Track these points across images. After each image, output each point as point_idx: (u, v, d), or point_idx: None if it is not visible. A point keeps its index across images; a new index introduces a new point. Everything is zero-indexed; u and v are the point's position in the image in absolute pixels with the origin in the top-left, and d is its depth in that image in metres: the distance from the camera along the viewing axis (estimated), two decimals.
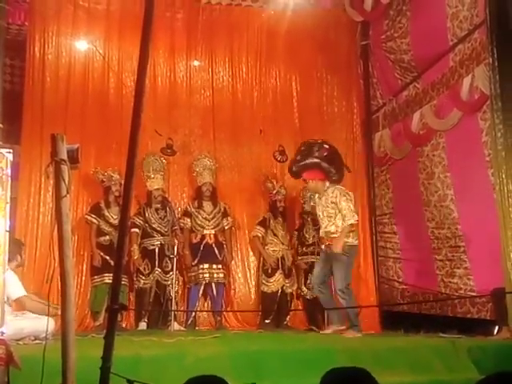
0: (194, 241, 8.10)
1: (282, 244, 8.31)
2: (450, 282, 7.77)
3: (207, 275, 7.95)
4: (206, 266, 7.96)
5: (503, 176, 6.21)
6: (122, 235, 3.04)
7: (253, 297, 8.52)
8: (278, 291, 8.18)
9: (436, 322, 7.43)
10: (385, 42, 8.93)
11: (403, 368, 5.31)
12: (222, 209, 8.27)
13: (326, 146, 7.47)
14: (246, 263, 8.64)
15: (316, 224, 8.16)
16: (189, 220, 8.13)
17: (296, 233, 8.58)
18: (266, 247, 8.28)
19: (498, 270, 6.35)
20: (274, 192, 8.40)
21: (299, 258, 8.45)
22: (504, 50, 6.30)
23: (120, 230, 3.07)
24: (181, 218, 8.22)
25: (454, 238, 7.70)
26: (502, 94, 6.25)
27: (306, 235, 8.40)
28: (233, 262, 8.52)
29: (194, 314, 7.97)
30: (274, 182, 8.50)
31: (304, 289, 8.35)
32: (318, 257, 8.13)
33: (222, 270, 8.04)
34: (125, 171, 3.01)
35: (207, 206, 8.20)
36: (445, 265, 7.89)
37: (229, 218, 8.29)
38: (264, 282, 8.21)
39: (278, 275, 8.20)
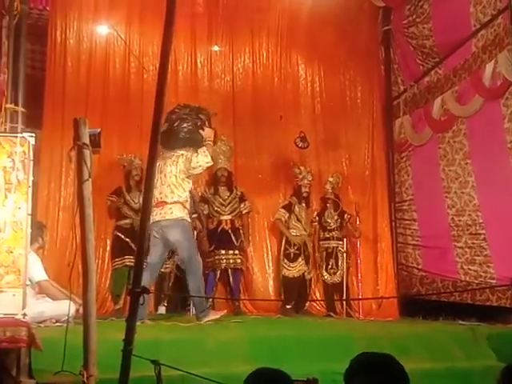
0: (211, 227, 8.11)
1: (305, 230, 8.30)
2: (469, 269, 7.74)
3: (224, 261, 7.96)
4: (223, 251, 7.96)
5: None
6: (144, 219, 3.06)
7: (271, 282, 8.51)
8: (299, 276, 8.17)
9: (455, 309, 7.42)
10: (406, 27, 8.86)
11: (422, 355, 5.31)
12: (239, 194, 8.23)
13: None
14: (265, 248, 8.64)
15: (337, 209, 8.22)
16: (206, 206, 8.13)
17: (317, 218, 8.54)
18: None
19: None
20: (301, 177, 8.40)
21: (321, 242, 8.45)
22: None
23: (142, 214, 3.08)
24: (198, 203, 8.23)
25: (475, 225, 7.66)
26: None
27: (328, 220, 8.38)
28: (251, 247, 8.51)
29: (211, 299, 7.99)
30: (302, 168, 8.48)
31: (325, 273, 8.35)
32: (339, 242, 8.14)
33: (238, 256, 8.02)
34: (147, 156, 3.01)
35: (223, 191, 8.18)
36: (465, 252, 7.85)
37: (246, 202, 8.26)
38: (286, 266, 8.20)
39: (301, 260, 8.18)
